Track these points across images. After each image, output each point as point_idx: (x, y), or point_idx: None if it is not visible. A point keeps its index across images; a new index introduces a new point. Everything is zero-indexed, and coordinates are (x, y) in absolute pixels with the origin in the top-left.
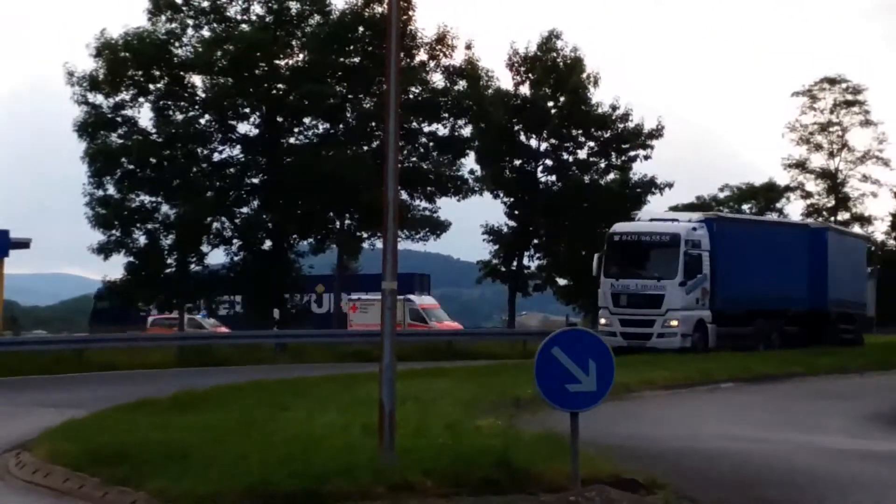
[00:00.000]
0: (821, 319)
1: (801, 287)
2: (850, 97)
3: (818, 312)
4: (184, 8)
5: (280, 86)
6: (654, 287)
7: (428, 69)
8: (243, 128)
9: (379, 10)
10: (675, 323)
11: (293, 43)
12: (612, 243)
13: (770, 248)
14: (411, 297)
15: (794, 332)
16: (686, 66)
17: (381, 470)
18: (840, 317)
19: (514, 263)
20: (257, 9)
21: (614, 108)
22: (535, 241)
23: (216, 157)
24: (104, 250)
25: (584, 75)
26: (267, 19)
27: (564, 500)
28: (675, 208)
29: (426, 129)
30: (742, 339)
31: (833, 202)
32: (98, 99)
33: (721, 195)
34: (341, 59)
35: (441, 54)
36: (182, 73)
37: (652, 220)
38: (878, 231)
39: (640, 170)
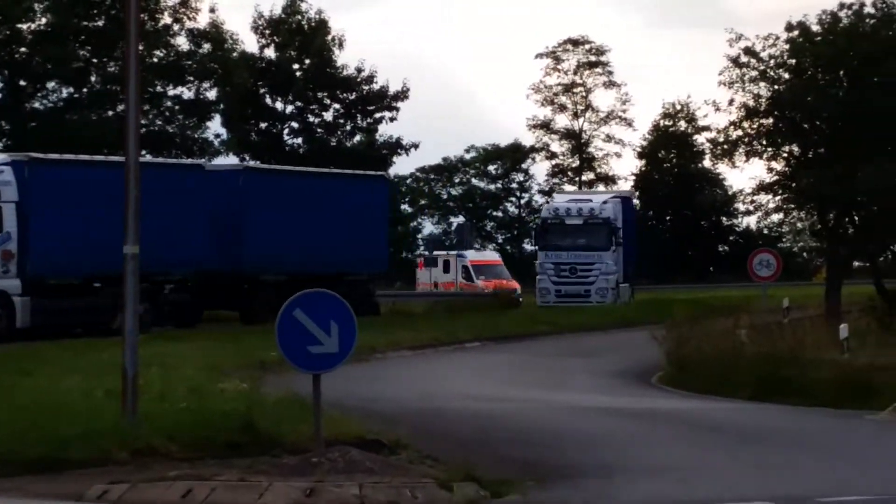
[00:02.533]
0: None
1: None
2: (593, 58)
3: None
4: None
5: (23, 50)
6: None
7: (172, 32)
8: None
9: None
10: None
11: (35, 6)
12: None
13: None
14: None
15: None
16: (432, 29)
17: (124, 435)
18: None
19: None
20: None
21: (359, 70)
22: None
23: None
24: None
25: (329, 38)
26: None
27: (307, 461)
28: (422, 170)
29: (171, 92)
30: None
31: (578, 162)
32: None
33: (468, 156)
34: (85, 23)
35: (185, 17)
36: None
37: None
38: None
39: (385, 131)
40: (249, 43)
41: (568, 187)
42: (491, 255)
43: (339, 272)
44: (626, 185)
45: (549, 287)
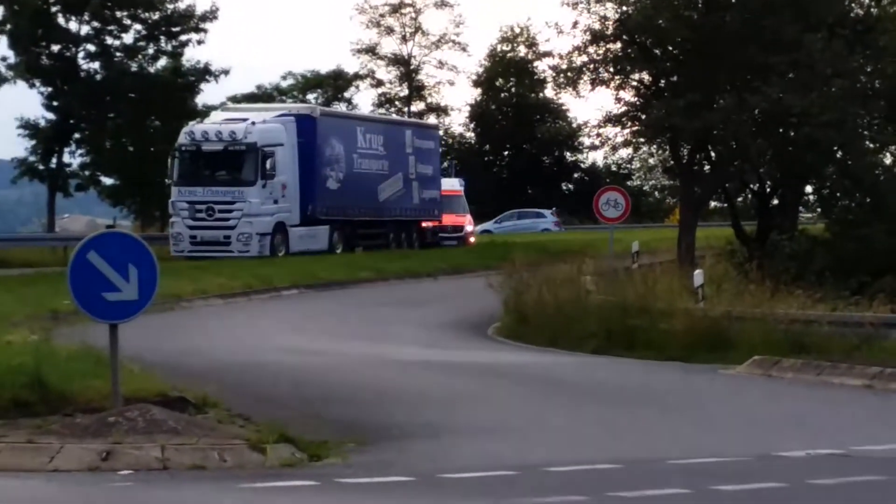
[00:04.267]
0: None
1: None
2: None
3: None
4: None
5: None
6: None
7: None
8: None
9: None
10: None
11: None
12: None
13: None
14: None
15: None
16: None
17: None
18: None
19: (54, 161)
20: None
21: None
22: (77, 135)
23: None
24: None
25: None
26: None
27: (103, 420)
28: (233, 99)
29: None
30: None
31: (407, 91)
32: None
33: (284, 84)
34: None
35: None
36: None
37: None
38: (456, 123)
39: (193, 56)
40: None
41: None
42: (449, 184)
43: None
44: (459, 117)
45: (182, 232)
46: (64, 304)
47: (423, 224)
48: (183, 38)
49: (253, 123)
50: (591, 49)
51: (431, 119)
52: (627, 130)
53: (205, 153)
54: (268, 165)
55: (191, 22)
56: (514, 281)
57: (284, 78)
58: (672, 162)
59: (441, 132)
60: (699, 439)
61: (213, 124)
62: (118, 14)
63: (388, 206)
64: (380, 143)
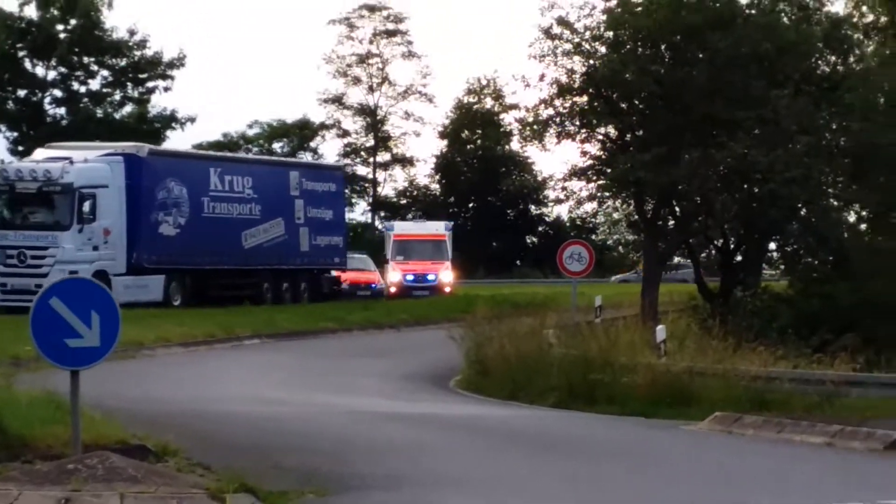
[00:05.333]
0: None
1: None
2: (391, 26)
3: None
4: None
5: None
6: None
7: None
8: None
9: None
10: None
11: None
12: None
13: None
14: None
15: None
16: None
17: None
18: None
19: None
20: None
21: (132, 32)
22: None
23: None
24: None
25: None
26: None
27: (62, 468)
28: (199, 146)
29: None
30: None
31: (373, 141)
32: None
33: (250, 132)
34: None
35: None
36: None
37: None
38: (421, 174)
39: (159, 103)
40: (8, 1)
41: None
42: (433, 228)
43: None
44: (424, 168)
45: None
46: (25, 350)
47: (321, 274)
48: (150, 84)
49: (72, 163)
50: (557, 102)
51: (396, 170)
52: (593, 184)
53: (18, 194)
54: (86, 208)
55: (158, 69)
56: (476, 333)
57: (251, 126)
58: (636, 216)
59: (346, 172)
60: (662, 494)
61: (30, 163)
62: (85, 60)
63: (259, 253)
64: (246, 184)
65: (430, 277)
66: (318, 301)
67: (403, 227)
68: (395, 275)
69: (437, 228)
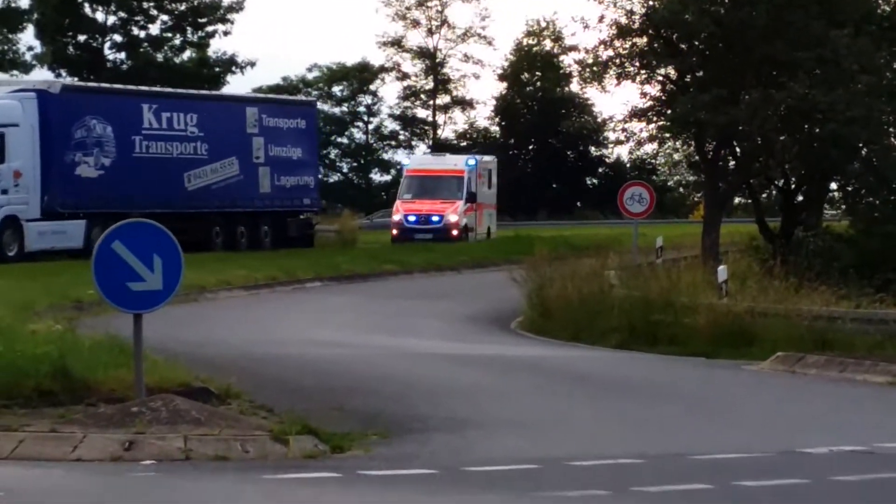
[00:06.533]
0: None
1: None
2: None
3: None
4: None
5: None
6: None
7: None
8: None
9: None
10: None
11: None
12: None
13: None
14: None
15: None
16: None
17: None
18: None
19: None
20: None
21: None
22: None
23: None
24: None
25: None
26: None
27: (126, 410)
28: (258, 89)
29: None
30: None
31: (432, 84)
32: None
33: (310, 76)
34: None
35: None
36: None
37: None
38: (481, 116)
39: (219, 47)
40: None
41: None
42: (451, 162)
43: None
44: (484, 111)
45: None
46: (88, 294)
47: (287, 217)
48: (209, 28)
49: None
50: (616, 43)
51: (456, 113)
52: (653, 125)
53: None
54: None
55: (217, 13)
56: (538, 275)
57: (310, 70)
58: (697, 157)
59: (315, 107)
60: (723, 435)
61: None
62: (144, 4)
63: (206, 196)
64: (190, 122)
65: (435, 219)
66: (285, 247)
67: (419, 161)
68: (396, 216)
69: (457, 163)
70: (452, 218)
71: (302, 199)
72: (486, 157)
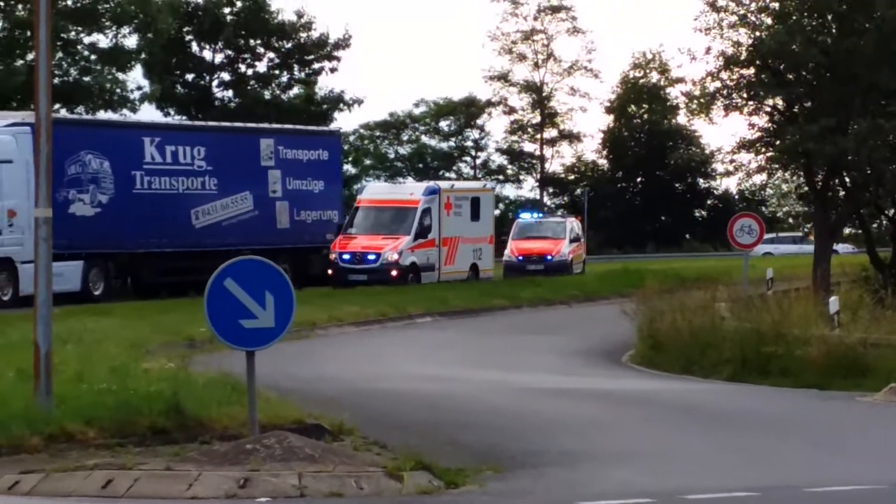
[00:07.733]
0: None
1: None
2: (555, 2)
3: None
4: None
5: None
6: None
7: None
8: None
9: None
10: None
11: None
12: None
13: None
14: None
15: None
16: None
17: (37, 419)
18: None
19: None
20: None
21: (299, 15)
22: None
23: None
24: None
25: None
26: None
27: (240, 448)
28: (366, 126)
29: (86, 39)
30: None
31: (539, 118)
32: None
33: (417, 111)
34: None
35: None
36: None
37: None
38: (588, 149)
39: (326, 84)
40: None
41: None
42: (400, 191)
43: None
44: (591, 144)
45: None
46: (200, 332)
47: (309, 254)
48: (316, 66)
49: None
50: (723, 75)
51: (563, 147)
52: (761, 156)
53: None
54: None
55: (324, 50)
56: (648, 308)
57: (417, 105)
58: (806, 188)
59: (339, 137)
60: (836, 467)
61: None
62: (252, 42)
63: (216, 233)
64: (197, 155)
65: (371, 257)
66: (307, 285)
67: (373, 191)
68: (333, 253)
69: (413, 192)
70: (391, 256)
71: (325, 234)
72: (472, 184)
